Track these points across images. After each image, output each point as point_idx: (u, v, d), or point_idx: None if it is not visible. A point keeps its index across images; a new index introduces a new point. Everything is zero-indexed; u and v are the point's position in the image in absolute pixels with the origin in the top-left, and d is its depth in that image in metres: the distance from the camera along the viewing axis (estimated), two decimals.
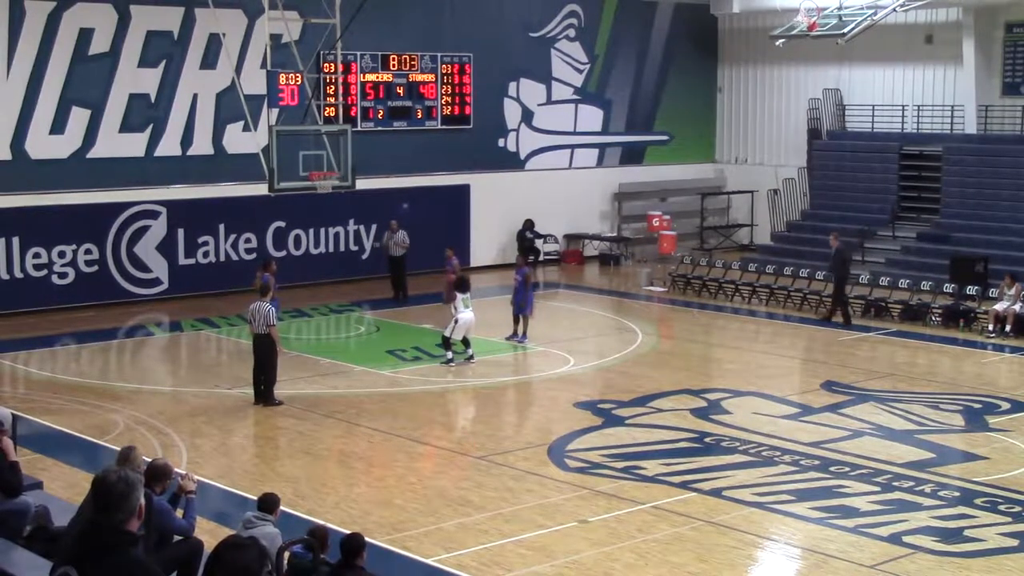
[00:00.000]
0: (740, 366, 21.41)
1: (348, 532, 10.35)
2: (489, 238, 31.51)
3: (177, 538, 9.86)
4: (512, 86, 32.33)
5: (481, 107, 31.25)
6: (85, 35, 25.46)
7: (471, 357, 20.66)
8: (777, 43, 30.08)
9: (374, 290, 27.39)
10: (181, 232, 26.72)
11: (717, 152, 37.16)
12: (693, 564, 12.01)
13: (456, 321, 20.54)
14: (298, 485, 14.36)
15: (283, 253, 28.09)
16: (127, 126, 26.19)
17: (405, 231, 26.81)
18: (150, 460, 10.36)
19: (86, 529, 5.74)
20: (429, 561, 12.06)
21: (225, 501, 13.80)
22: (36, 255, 25.00)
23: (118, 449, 10.36)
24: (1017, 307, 23.41)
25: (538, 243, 32.08)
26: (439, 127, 30.58)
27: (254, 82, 25.13)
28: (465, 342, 20.68)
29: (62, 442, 16.14)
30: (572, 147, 33.93)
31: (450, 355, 20.56)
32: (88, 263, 25.65)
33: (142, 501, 5.66)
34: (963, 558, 12.34)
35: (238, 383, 18.72)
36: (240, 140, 26.51)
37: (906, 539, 12.77)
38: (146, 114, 26.41)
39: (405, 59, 29.71)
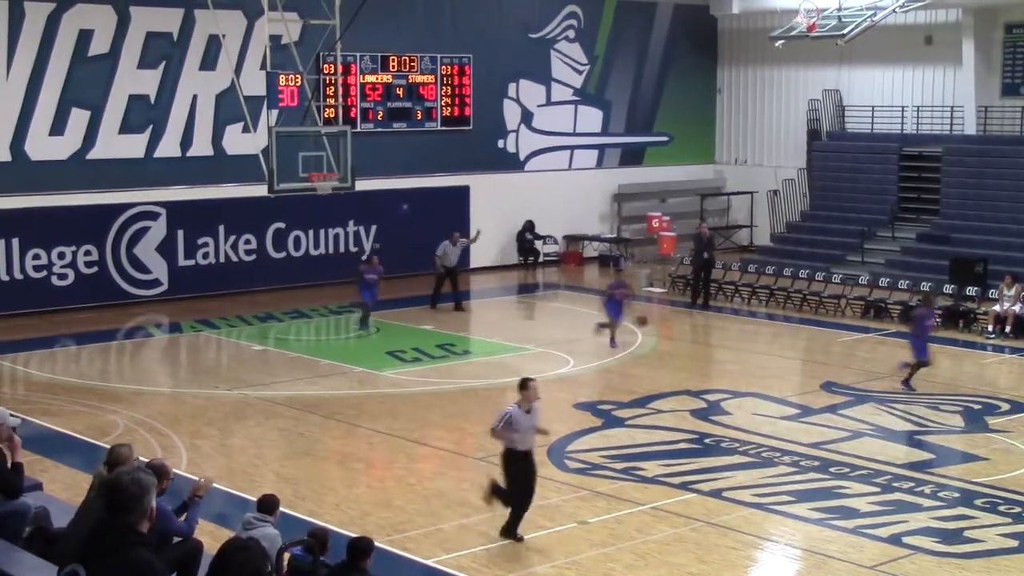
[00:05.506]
0: (740, 367, 21.40)
1: (352, 535, 10.34)
2: (489, 239, 31.45)
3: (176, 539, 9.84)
4: (512, 87, 32.30)
5: (481, 108, 31.23)
6: (85, 36, 25.45)
7: None
8: (777, 44, 30.03)
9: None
10: (181, 233, 26.69)
11: (717, 153, 37.14)
12: (693, 565, 12.01)
13: None
14: (298, 486, 14.36)
15: (283, 254, 28.10)
16: (127, 127, 26.18)
17: (465, 240, 26.82)
18: (147, 460, 10.32)
19: (97, 529, 5.78)
20: (429, 562, 12.06)
21: (225, 502, 13.77)
22: (36, 256, 24.98)
23: None
24: (1017, 308, 23.42)
25: (538, 244, 32.09)
26: (439, 128, 30.56)
27: (254, 83, 25.10)
28: None
29: (61, 443, 16.12)
30: (572, 148, 33.90)
31: None
32: (88, 264, 25.63)
33: (154, 504, 5.72)
34: (963, 559, 12.34)
35: (237, 384, 18.70)
36: (240, 141, 26.49)
37: (906, 540, 12.77)
38: (146, 115, 26.39)
39: (405, 60, 29.69)
